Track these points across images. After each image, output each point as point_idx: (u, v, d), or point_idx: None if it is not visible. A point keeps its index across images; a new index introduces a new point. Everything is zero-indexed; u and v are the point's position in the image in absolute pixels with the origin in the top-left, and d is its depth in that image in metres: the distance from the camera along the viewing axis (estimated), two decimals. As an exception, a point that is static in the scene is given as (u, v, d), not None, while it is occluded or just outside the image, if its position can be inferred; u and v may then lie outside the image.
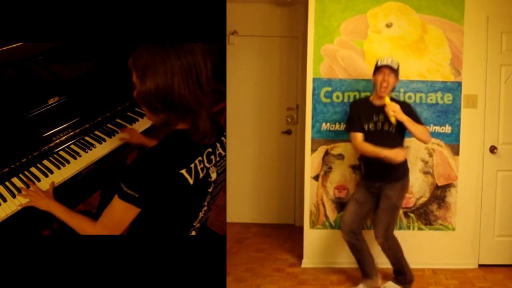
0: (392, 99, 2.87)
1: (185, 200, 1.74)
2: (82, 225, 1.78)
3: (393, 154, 2.77)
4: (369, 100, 2.96)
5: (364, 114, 2.91)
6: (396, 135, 2.87)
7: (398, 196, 2.96)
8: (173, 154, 1.65)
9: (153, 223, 1.79)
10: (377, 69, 2.87)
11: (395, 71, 2.84)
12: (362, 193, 3.03)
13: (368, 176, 3.01)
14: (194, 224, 1.89)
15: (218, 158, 1.81)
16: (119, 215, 1.67)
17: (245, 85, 4.44)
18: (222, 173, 1.85)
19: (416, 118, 2.88)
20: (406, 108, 2.87)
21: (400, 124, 2.81)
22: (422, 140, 2.90)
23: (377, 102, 2.89)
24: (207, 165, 1.75)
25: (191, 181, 1.67)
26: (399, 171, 2.93)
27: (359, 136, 2.90)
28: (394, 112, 2.77)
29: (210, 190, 1.82)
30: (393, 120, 2.79)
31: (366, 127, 2.91)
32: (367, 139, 2.91)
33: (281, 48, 4.42)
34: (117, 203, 1.64)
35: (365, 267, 3.03)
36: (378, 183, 2.93)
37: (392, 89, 2.90)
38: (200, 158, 1.72)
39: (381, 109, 2.84)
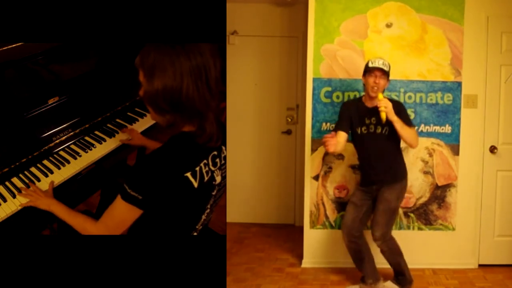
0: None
1: (189, 203, 1.73)
2: (83, 224, 1.77)
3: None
4: (361, 101, 2.91)
5: (356, 117, 2.85)
6: (389, 137, 2.79)
7: (397, 198, 2.91)
8: (178, 156, 1.63)
9: (155, 225, 1.78)
10: (368, 70, 2.79)
11: (386, 73, 2.77)
12: (359, 196, 2.99)
13: (365, 181, 2.97)
14: (197, 227, 1.88)
15: (223, 161, 1.78)
16: (121, 216, 1.65)
17: (245, 85, 4.44)
18: (226, 176, 1.83)
19: (407, 120, 2.80)
20: (398, 107, 2.79)
21: (392, 127, 2.72)
22: (410, 144, 2.82)
23: (369, 104, 2.84)
24: (212, 168, 1.73)
25: (195, 184, 1.65)
26: (398, 172, 2.90)
27: (341, 135, 2.86)
28: (386, 108, 2.68)
29: (214, 193, 1.80)
30: (383, 116, 2.68)
31: (358, 131, 2.85)
32: (360, 142, 2.89)
33: (281, 48, 4.41)
34: (119, 204, 1.62)
35: (364, 271, 2.99)
36: (375, 186, 2.89)
37: (382, 90, 2.81)
38: (205, 161, 1.70)
39: (373, 111, 2.77)
